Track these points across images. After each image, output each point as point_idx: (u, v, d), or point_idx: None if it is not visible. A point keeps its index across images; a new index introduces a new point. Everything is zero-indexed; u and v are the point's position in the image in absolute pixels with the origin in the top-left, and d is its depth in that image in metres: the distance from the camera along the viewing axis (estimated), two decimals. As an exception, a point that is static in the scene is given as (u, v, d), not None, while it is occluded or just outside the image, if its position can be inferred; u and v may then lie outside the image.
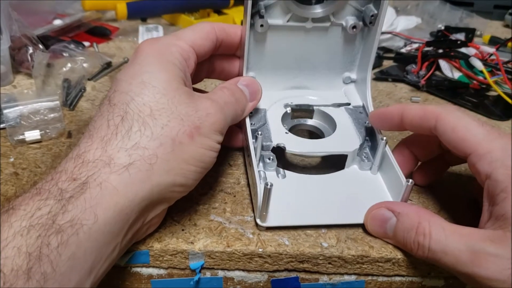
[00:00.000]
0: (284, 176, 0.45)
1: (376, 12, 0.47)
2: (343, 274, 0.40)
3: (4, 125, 0.49)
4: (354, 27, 0.48)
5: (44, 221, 0.29)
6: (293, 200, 0.43)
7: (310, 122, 0.52)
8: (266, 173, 0.45)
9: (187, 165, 0.36)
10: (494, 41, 0.85)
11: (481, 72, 0.64)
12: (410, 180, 0.40)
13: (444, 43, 0.67)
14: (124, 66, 0.40)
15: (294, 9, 0.46)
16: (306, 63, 0.51)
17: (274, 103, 0.50)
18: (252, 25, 0.46)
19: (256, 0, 0.45)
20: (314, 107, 0.50)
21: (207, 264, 0.39)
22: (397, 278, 0.41)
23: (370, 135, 0.48)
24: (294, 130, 0.50)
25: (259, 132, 0.44)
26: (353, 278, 0.40)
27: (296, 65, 0.51)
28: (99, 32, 0.73)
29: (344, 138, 0.47)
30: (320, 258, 0.39)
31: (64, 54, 0.62)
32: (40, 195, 0.31)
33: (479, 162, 0.36)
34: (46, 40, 0.64)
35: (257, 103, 0.46)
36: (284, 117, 0.49)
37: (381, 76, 0.68)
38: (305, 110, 0.51)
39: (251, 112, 0.47)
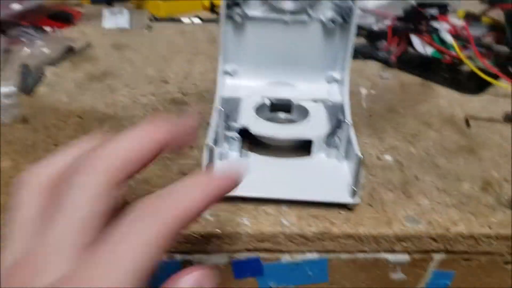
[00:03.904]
0: (246, 156, 0.44)
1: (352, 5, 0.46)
2: (305, 252, 0.39)
3: (-45, 112, 0.47)
4: (332, 21, 0.48)
5: None
6: (250, 177, 0.41)
7: (287, 116, 0.50)
8: (229, 153, 0.44)
9: None
10: (469, 16, 0.83)
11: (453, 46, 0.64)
12: (360, 155, 0.38)
13: (414, 17, 0.66)
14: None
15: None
16: (288, 58, 0.51)
17: (252, 94, 0.50)
18: (229, 16, 0.48)
19: None
20: (293, 101, 0.49)
21: (163, 247, 0.38)
22: (360, 255, 0.40)
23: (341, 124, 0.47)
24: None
25: (221, 108, 0.43)
26: (315, 256, 0.39)
27: (278, 60, 0.51)
28: (61, 17, 0.71)
29: (313, 126, 0.46)
30: (281, 236, 0.38)
31: (23, 39, 0.60)
32: None
33: None
34: (4, 26, 0.62)
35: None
36: (261, 108, 0.49)
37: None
38: (283, 104, 0.50)
39: (224, 98, 0.48)
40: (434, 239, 0.39)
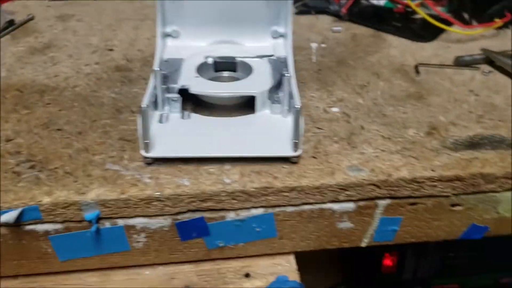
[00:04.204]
0: (188, 117, 0.43)
1: None
2: (250, 209, 0.39)
3: None
4: None
5: None
6: (191, 137, 0.41)
7: (231, 74, 0.49)
8: (170, 115, 0.43)
9: None
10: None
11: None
12: (298, 106, 0.38)
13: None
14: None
15: None
16: (231, 16, 0.50)
17: (195, 54, 0.48)
18: None
19: None
20: (237, 59, 0.48)
21: (103, 214, 0.37)
22: (306, 207, 0.39)
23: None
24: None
25: (158, 70, 0.42)
26: (260, 211, 0.39)
27: (222, 18, 0.50)
28: (3, -9, 0.68)
29: (255, 82, 0.45)
30: (223, 194, 0.37)
31: (-41, 15, 0.57)
32: None
33: None
34: None
35: None
36: (204, 67, 0.48)
37: (304, 9, 0.65)
38: (228, 62, 0.49)
39: (165, 61, 0.47)
40: (377, 186, 0.39)
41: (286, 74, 0.42)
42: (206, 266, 0.41)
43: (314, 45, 0.57)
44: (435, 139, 0.42)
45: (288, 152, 0.39)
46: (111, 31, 0.61)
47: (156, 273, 0.41)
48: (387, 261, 0.50)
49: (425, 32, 0.61)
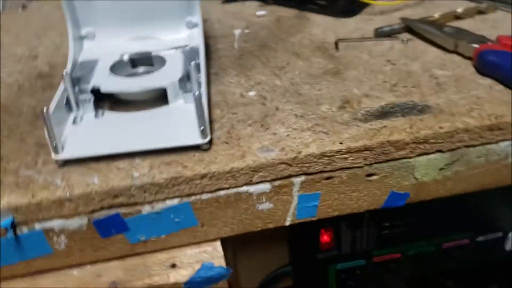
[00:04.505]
0: (102, 116, 0.44)
1: None
2: (164, 200, 0.39)
3: None
4: None
5: None
6: (102, 135, 0.41)
7: (148, 68, 0.50)
8: (84, 115, 0.44)
9: None
10: None
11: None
12: (197, 93, 0.38)
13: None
14: None
15: None
16: (146, 11, 0.50)
17: (111, 53, 0.49)
18: None
19: None
20: (152, 53, 0.49)
21: (19, 220, 0.37)
22: (221, 192, 0.40)
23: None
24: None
25: (67, 73, 0.42)
26: (176, 201, 0.40)
27: (136, 14, 0.50)
28: None
29: (166, 74, 0.45)
30: (133, 188, 0.38)
31: None
32: None
33: None
34: None
35: None
36: (120, 65, 0.48)
37: (232, -3, 0.66)
38: (143, 58, 0.49)
39: (80, 63, 0.47)
40: (289, 164, 0.39)
41: (191, 63, 0.43)
42: (133, 261, 0.42)
43: (237, 32, 0.58)
44: (347, 113, 0.43)
45: (196, 140, 0.39)
46: (37, 39, 0.61)
47: (83, 272, 0.41)
48: (324, 237, 0.50)
49: (354, 7, 0.61)
